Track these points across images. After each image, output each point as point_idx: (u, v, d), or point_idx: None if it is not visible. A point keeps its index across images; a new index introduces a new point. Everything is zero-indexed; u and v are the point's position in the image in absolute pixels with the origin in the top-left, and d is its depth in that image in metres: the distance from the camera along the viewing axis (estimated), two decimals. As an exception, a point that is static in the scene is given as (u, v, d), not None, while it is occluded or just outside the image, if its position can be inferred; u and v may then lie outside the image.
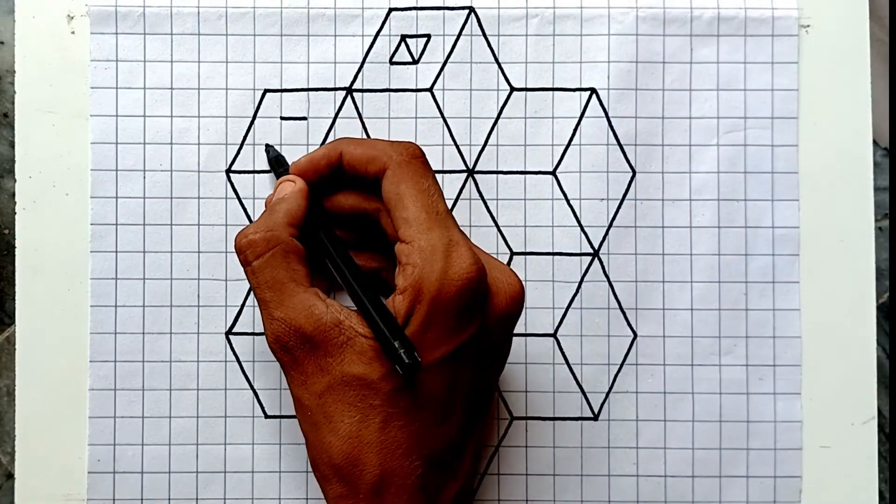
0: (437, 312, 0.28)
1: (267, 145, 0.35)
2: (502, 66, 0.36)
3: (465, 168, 0.36)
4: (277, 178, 0.34)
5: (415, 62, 0.36)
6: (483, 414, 0.32)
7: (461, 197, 0.36)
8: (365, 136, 0.36)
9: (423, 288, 0.28)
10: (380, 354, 0.28)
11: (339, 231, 0.32)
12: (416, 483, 0.28)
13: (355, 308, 0.30)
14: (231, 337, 0.36)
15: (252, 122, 0.36)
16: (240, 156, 0.36)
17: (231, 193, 0.36)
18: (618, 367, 0.36)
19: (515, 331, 0.36)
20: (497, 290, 0.29)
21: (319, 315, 0.28)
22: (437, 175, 0.36)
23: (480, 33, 0.36)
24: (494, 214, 0.36)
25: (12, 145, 0.36)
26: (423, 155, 0.31)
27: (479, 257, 0.29)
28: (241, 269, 0.30)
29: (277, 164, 0.35)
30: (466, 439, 0.31)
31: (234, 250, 0.35)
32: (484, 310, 0.29)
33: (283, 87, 0.36)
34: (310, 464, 0.30)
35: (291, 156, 0.35)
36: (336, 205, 0.33)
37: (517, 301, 0.30)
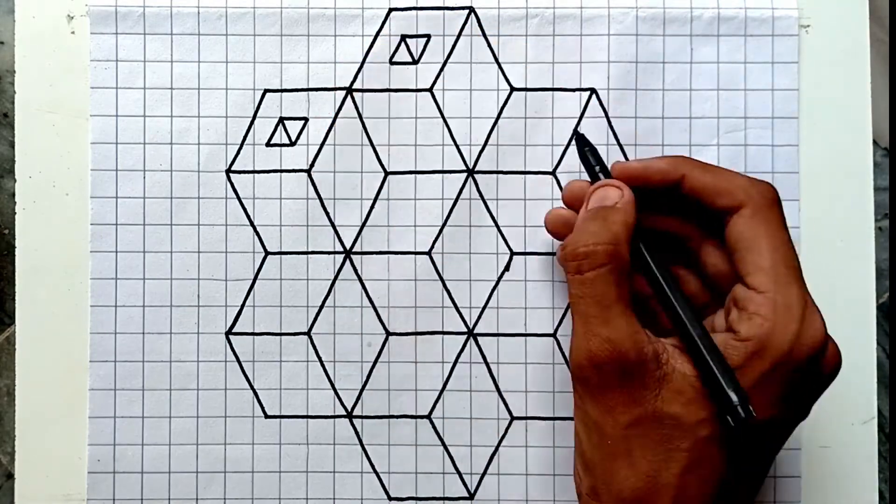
0: (777, 374, 0.26)
1: (579, 135, 0.33)
2: (502, 66, 0.36)
3: (465, 168, 0.36)
4: (591, 175, 0.32)
5: (415, 62, 0.36)
6: (757, 489, 0.30)
7: (461, 197, 0.36)
8: (366, 136, 0.36)
9: (772, 345, 0.26)
10: (700, 397, 0.27)
11: None
12: None
13: (672, 340, 0.28)
14: (231, 337, 0.36)
15: (252, 122, 0.36)
16: (240, 156, 0.36)
17: (231, 193, 0.36)
18: (618, 367, 0.36)
19: (514, 330, 0.36)
20: (824, 363, 0.28)
21: (643, 344, 0.27)
22: (436, 175, 0.36)
23: (480, 33, 0.36)
24: (494, 214, 0.36)
25: (12, 145, 0.36)
26: (780, 200, 0.29)
27: None
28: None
29: (594, 159, 0.32)
30: None
31: (237, 251, 0.36)
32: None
33: (283, 87, 0.36)
34: (584, 487, 0.29)
35: (297, 157, 0.36)
36: (650, 221, 0.31)
37: (834, 375, 0.29)
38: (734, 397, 0.26)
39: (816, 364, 0.27)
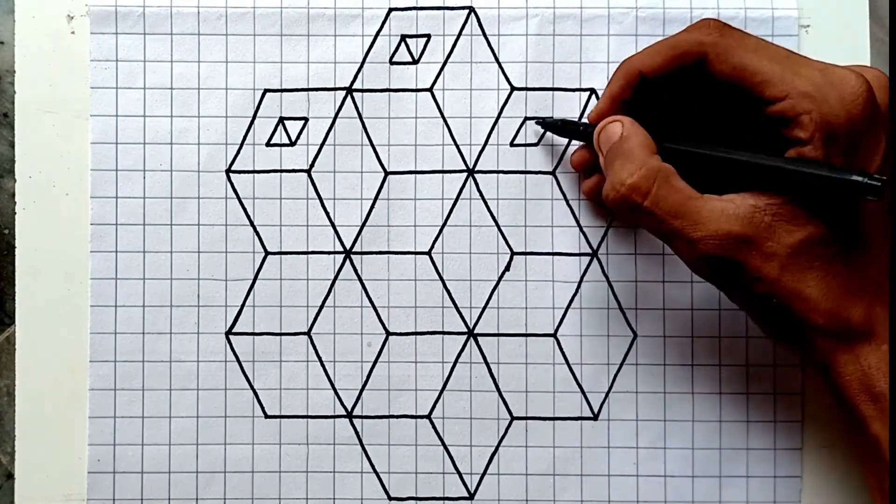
0: (854, 138, 0.27)
1: (540, 120, 0.35)
2: (502, 65, 0.36)
3: (465, 168, 0.36)
4: (579, 138, 0.34)
5: (415, 62, 0.36)
6: None
7: (461, 197, 0.36)
8: (366, 136, 0.36)
9: (832, 123, 0.27)
10: (810, 212, 0.28)
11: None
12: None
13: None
14: (231, 337, 0.36)
15: (252, 122, 0.36)
16: (240, 156, 0.36)
17: (231, 193, 0.36)
18: (617, 366, 0.36)
19: (514, 330, 0.36)
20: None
21: (734, 211, 0.28)
22: (436, 175, 0.36)
23: (480, 33, 0.36)
24: (494, 214, 0.36)
25: (12, 145, 0.36)
26: (724, 24, 0.30)
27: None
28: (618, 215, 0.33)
29: (571, 125, 0.34)
30: None
31: (237, 251, 0.36)
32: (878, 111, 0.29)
33: (283, 87, 0.36)
34: (786, 343, 0.31)
35: (297, 157, 0.36)
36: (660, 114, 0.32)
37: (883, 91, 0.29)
38: (860, 178, 0.27)
39: (875, 101, 0.28)
